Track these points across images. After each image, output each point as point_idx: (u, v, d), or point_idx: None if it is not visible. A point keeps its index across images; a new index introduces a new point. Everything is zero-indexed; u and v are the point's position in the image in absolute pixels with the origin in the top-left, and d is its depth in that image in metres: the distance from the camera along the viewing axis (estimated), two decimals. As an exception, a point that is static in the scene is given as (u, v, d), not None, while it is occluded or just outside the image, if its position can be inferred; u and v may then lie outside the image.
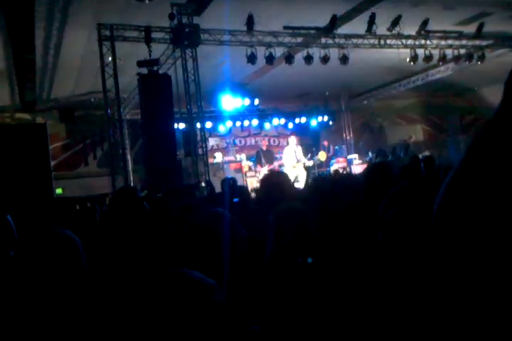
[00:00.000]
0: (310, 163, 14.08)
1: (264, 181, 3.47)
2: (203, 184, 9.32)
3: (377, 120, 19.20)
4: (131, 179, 13.93)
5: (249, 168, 14.63)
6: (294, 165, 13.71)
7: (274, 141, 17.88)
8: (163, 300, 0.94)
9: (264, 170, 13.89)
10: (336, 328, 1.82)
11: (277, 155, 15.06)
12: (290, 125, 16.82)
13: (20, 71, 10.67)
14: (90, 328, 1.57)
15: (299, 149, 14.22)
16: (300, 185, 12.71)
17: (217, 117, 15.22)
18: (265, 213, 2.40)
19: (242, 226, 2.41)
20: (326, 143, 16.79)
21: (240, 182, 9.36)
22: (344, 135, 18.61)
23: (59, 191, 11.65)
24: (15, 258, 1.64)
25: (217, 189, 6.02)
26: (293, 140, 14.24)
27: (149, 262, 2.52)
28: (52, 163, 9.94)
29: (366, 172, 3.44)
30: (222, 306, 0.98)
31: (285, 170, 13.27)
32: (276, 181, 3.28)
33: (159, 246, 2.67)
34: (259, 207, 3.08)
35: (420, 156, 15.36)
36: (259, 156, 14.70)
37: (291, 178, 12.81)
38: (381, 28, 10.38)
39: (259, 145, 16.27)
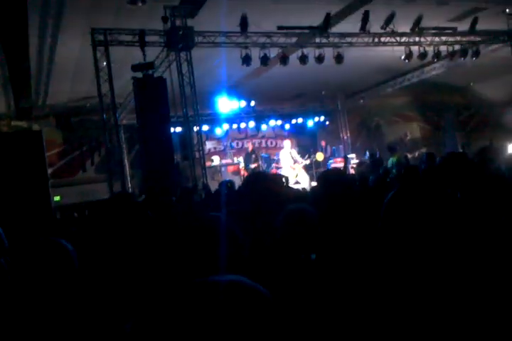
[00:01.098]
0: (307, 162, 14.03)
1: (246, 185, 3.16)
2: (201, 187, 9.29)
3: (374, 119, 19.19)
4: (129, 184, 13.88)
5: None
6: (292, 166, 13.70)
7: (271, 143, 17.85)
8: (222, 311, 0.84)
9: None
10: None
11: (274, 157, 15.04)
12: (287, 126, 16.80)
13: (15, 78, 10.65)
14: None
15: (294, 151, 14.25)
16: (302, 186, 12.69)
17: (214, 120, 15.20)
18: (259, 217, 2.36)
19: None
20: (323, 143, 16.78)
21: (238, 185, 9.32)
22: (341, 135, 18.58)
23: (57, 198, 11.60)
24: (6, 266, 1.62)
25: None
26: (288, 143, 14.24)
27: (153, 267, 2.49)
28: (50, 170, 9.92)
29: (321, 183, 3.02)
30: (278, 317, 0.89)
31: (283, 171, 13.26)
32: (259, 181, 3.01)
33: (161, 252, 2.63)
34: (253, 211, 2.89)
35: (417, 153, 15.24)
36: (245, 160, 14.77)
37: (292, 180, 12.80)
38: (375, 26, 10.38)
39: (245, 149, 16.16)
